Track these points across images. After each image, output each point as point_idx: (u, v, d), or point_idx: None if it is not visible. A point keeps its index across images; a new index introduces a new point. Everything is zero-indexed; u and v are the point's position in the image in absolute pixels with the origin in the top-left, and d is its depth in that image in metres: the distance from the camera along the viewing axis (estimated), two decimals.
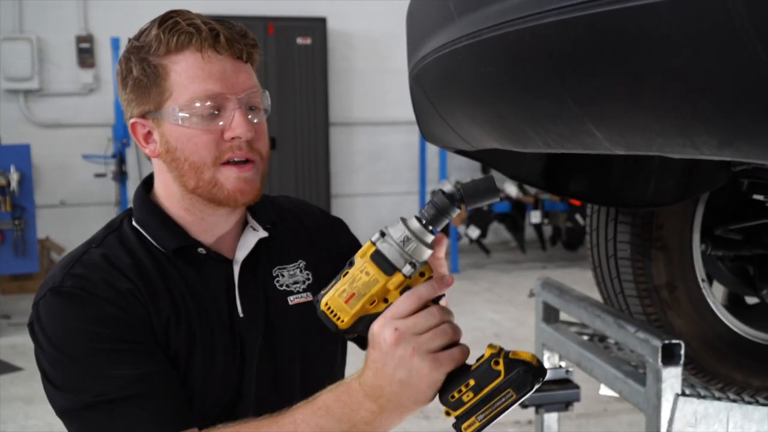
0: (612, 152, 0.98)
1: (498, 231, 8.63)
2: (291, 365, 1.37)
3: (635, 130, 0.88)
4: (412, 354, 1.02)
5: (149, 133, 1.27)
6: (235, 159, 1.24)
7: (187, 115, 1.21)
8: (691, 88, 0.76)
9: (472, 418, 1.03)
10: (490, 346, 1.05)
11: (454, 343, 1.04)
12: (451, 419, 1.05)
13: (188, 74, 1.21)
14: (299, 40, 7.88)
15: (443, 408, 1.05)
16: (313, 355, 1.40)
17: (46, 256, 7.22)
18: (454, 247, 7.69)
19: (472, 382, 1.03)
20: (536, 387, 1.02)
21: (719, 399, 2.06)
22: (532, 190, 7.79)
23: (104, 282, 1.23)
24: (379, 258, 1.05)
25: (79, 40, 7.86)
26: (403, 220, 1.07)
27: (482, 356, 1.04)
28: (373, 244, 1.06)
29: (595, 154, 2.17)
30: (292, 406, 1.14)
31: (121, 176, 7.26)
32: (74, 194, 7.98)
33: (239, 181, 1.25)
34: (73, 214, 7.93)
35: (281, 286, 1.38)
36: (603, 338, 2.70)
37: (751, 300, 2.50)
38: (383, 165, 8.92)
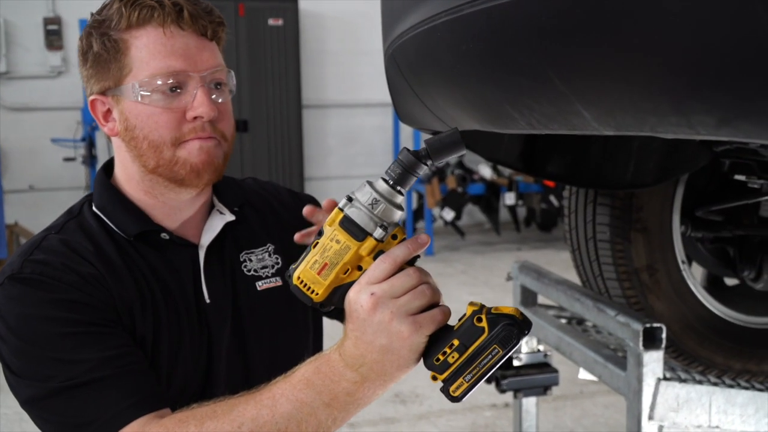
0: (600, 133, 0.93)
1: (472, 213, 8.61)
2: (260, 352, 1.35)
3: (626, 109, 0.83)
4: (390, 318, 0.97)
5: (108, 111, 1.24)
6: (200, 137, 1.22)
7: (147, 92, 1.18)
8: (687, 62, 0.71)
9: (460, 379, 1.00)
10: (471, 303, 1.02)
11: (434, 305, 1.01)
12: (438, 383, 1.01)
13: (149, 50, 1.18)
14: (270, 22, 7.76)
15: (429, 373, 1.01)
16: (284, 341, 1.38)
17: (15, 242, 7.08)
18: (429, 230, 7.66)
19: (456, 342, 0.99)
20: (522, 340, 0.99)
21: (700, 383, 2.04)
22: (506, 172, 7.77)
23: (65, 267, 1.19)
24: (348, 224, 1.01)
25: (47, 21, 7.69)
26: (370, 183, 1.04)
27: (464, 315, 1.01)
28: (341, 210, 1.02)
29: (574, 135, 2.13)
30: (270, 383, 1.10)
31: (90, 160, 7.13)
32: (43, 179, 7.83)
33: (201, 152, 1.22)
34: (42, 198, 7.78)
35: (249, 271, 1.36)
36: (581, 321, 2.68)
37: (729, 282, 2.49)
38: (357, 148, 8.85)
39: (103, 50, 1.20)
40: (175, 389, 1.25)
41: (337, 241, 1.01)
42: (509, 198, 7.45)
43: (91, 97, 1.24)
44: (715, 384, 2.07)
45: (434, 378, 1.01)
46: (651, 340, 1.96)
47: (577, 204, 2.29)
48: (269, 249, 1.40)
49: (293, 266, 1.04)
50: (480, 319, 0.99)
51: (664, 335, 1.96)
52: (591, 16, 0.78)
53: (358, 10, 8.33)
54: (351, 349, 1.01)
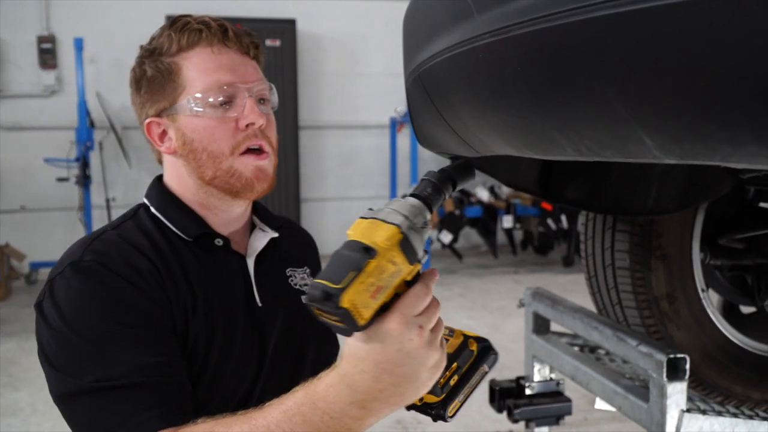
0: (659, 161, 0.89)
1: (469, 236, 8.57)
2: (305, 358, 1.39)
3: (696, 137, 0.78)
4: (428, 350, 0.97)
5: (164, 132, 1.31)
6: (252, 147, 1.28)
7: (202, 105, 1.26)
8: None
9: (455, 400, 1.05)
10: (449, 328, 1.08)
11: None
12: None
13: (199, 68, 1.27)
14: (268, 42, 7.73)
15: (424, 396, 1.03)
16: (324, 352, 1.42)
17: (6, 263, 6.98)
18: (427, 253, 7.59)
19: (455, 366, 1.04)
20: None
21: (720, 413, 1.99)
22: (504, 195, 7.74)
23: (124, 260, 1.22)
24: (407, 246, 0.95)
25: (41, 40, 7.62)
26: (415, 202, 1.01)
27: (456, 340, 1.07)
28: (400, 230, 0.95)
29: (595, 161, 2.10)
30: (263, 405, 1.05)
31: (84, 180, 7.05)
32: (35, 199, 7.73)
33: (256, 170, 1.29)
34: (34, 219, 7.69)
35: (295, 285, 1.43)
36: (593, 349, 2.63)
37: (744, 310, 2.45)
38: (353, 169, 8.80)
39: (156, 74, 1.28)
40: (225, 390, 1.25)
41: (394, 263, 0.94)
42: (507, 221, 7.41)
43: (147, 121, 1.32)
44: (735, 415, 2.02)
45: (422, 402, 1.04)
46: (675, 371, 1.92)
47: (594, 230, 2.25)
48: (306, 271, 1.48)
49: (337, 286, 0.90)
50: (471, 343, 1.06)
51: (688, 366, 1.91)
52: (664, 38, 0.74)
53: (355, 32, 8.32)
54: (368, 383, 0.97)
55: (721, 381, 2.19)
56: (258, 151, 1.29)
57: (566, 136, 1.01)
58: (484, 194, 7.59)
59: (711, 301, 2.17)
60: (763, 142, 0.71)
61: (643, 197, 2.01)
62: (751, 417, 2.03)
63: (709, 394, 2.21)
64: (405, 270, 0.96)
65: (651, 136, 0.84)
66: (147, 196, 1.37)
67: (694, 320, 2.13)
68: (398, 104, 7.80)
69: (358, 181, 8.83)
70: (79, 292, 1.17)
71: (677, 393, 1.91)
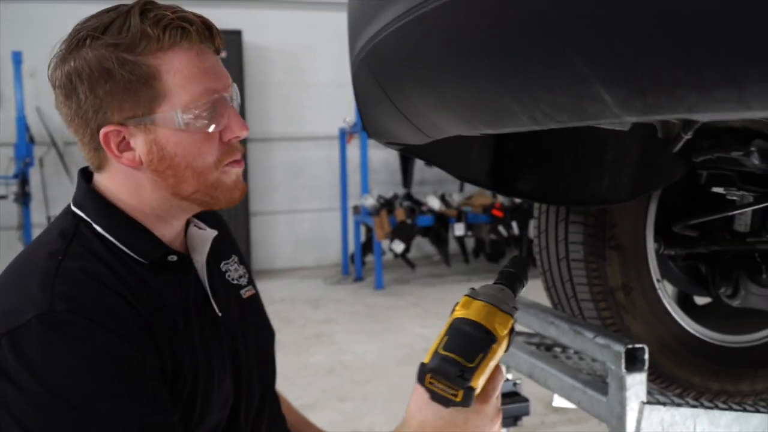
0: (620, 120, 0.84)
1: (421, 245, 8.53)
2: (254, 359, 1.34)
3: (660, 86, 0.74)
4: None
5: (124, 142, 1.14)
6: (236, 158, 1.21)
7: (191, 118, 1.13)
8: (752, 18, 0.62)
9: None
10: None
11: None
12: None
13: (184, 74, 1.12)
14: None
15: None
16: (266, 347, 1.41)
17: None
18: (379, 263, 7.54)
19: None
20: None
21: (679, 405, 1.97)
22: (455, 203, 7.73)
23: (98, 305, 1.07)
24: (513, 334, 1.08)
25: None
26: (508, 291, 1.12)
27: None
28: (514, 321, 1.08)
29: (546, 151, 2.06)
30: None
31: (23, 198, 6.84)
32: None
33: (238, 179, 1.22)
34: None
35: (233, 280, 1.37)
36: (549, 347, 2.59)
37: (700, 300, 2.43)
38: (303, 181, 8.72)
39: (127, 75, 1.10)
40: (216, 409, 1.21)
41: (502, 349, 1.07)
42: (458, 229, 7.40)
43: (104, 130, 1.13)
44: (694, 407, 2.00)
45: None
46: (633, 362, 1.88)
47: (547, 223, 2.21)
48: (236, 259, 1.41)
49: (468, 365, 1.02)
50: None
51: (646, 356, 1.88)
52: None
53: (301, 43, 8.26)
54: None
55: (679, 372, 2.16)
56: (238, 161, 1.22)
57: (521, 103, 0.96)
58: (435, 203, 7.57)
59: (666, 291, 2.14)
60: (733, 85, 0.67)
61: (595, 186, 1.98)
62: (711, 408, 2.01)
63: (668, 386, 2.18)
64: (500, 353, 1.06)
65: (611, 91, 0.80)
66: (83, 209, 1.19)
67: (650, 311, 2.10)
68: (347, 114, 7.76)
69: (309, 193, 8.75)
70: (58, 350, 1.03)
71: (637, 384, 1.88)
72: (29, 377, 1.02)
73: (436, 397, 1.04)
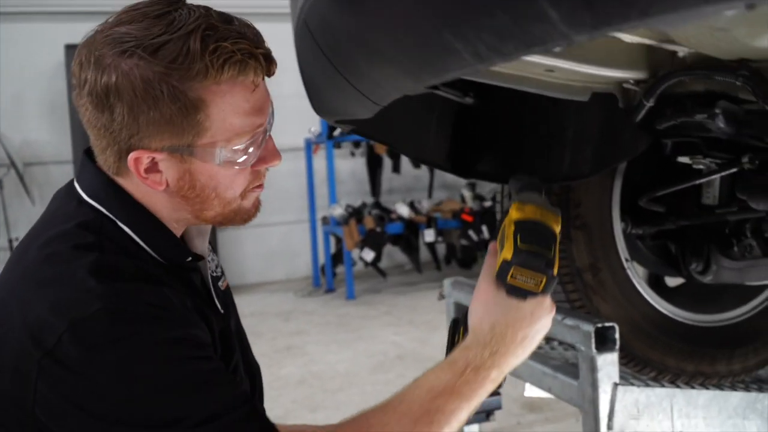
0: (566, 41, 0.76)
1: (392, 254, 8.43)
2: (244, 348, 1.35)
3: None
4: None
5: (154, 165, 1.09)
6: (260, 183, 1.19)
7: (232, 154, 1.09)
8: None
9: None
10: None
11: None
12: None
13: (234, 108, 1.06)
14: None
15: None
16: (246, 338, 1.39)
17: None
18: (349, 273, 7.44)
19: None
20: None
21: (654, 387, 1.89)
22: (424, 209, 7.66)
23: (155, 296, 1.06)
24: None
25: None
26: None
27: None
28: (560, 217, 1.23)
29: (504, 129, 1.99)
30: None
31: None
32: None
33: (257, 202, 1.21)
34: None
35: (212, 272, 1.28)
36: None
37: (673, 283, 2.37)
38: (271, 194, 8.49)
39: (174, 108, 1.03)
40: None
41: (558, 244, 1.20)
42: (428, 235, 7.32)
43: (135, 154, 1.07)
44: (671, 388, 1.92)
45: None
46: (603, 342, 1.80)
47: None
48: (211, 248, 1.32)
49: (551, 257, 1.14)
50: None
51: (617, 335, 1.80)
52: None
53: None
54: (508, 340, 1.14)
55: (652, 354, 2.09)
56: (261, 184, 1.20)
57: (462, 37, 0.87)
58: (404, 210, 7.49)
59: (636, 271, 2.07)
60: None
61: (556, 163, 1.90)
62: (688, 388, 1.93)
63: (641, 369, 2.10)
64: None
65: (556, 4, 0.72)
66: (102, 202, 1.12)
67: (620, 291, 2.02)
68: (311, 124, 7.68)
69: (277, 206, 8.61)
70: (132, 341, 1.00)
71: (608, 365, 1.80)
72: (104, 369, 0.99)
73: (514, 292, 1.15)
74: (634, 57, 1.62)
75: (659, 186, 1.91)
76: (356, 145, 8.17)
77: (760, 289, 2.16)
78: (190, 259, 1.19)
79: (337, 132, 7.35)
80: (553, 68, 1.59)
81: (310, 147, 8.03)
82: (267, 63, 1.08)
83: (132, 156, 1.07)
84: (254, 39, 1.07)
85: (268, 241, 8.59)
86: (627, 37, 1.58)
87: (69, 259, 1.05)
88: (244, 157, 1.10)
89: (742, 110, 1.60)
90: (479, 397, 1.12)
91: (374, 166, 8.17)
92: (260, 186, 1.20)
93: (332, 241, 7.89)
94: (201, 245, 1.25)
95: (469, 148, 2.01)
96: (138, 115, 1.03)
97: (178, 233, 1.19)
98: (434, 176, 8.36)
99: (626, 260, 2.03)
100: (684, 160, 1.81)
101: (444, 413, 1.08)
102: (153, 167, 1.09)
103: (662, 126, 1.67)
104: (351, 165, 8.64)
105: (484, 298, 1.17)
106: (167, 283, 1.10)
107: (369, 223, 7.21)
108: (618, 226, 2.03)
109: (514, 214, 1.18)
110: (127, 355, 1.00)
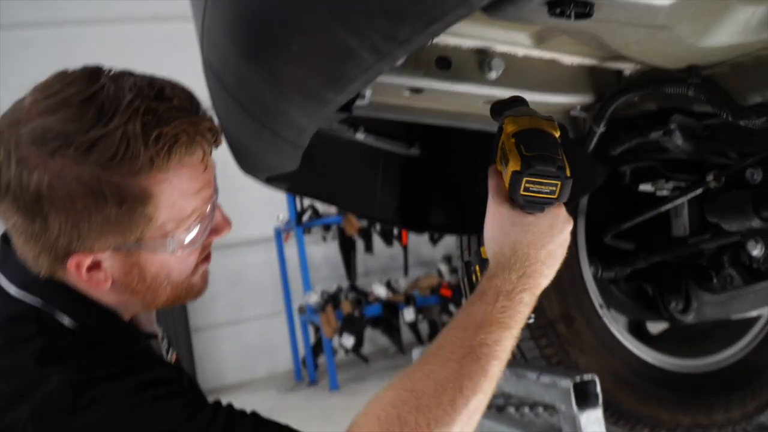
0: (467, 11, 0.62)
1: (374, 338, 8.19)
2: None
3: None
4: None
5: (98, 264, 0.98)
6: (208, 254, 1.10)
7: (185, 241, 1.00)
8: None
9: None
10: None
11: None
12: None
13: (181, 192, 0.97)
14: None
15: None
16: None
17: None
18: (331, 363, 7.17)
19: None
20: None
21: None
22: (401, 288, 7.48)
23: (118, 353, 0.99)
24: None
25: None
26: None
27: None
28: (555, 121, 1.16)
29: (457, 179, 1.87)
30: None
31: None
32: None
33: (206, 273, 1.12)
34: None
35: (161, 340, 1.20)
36: (502, 408, 2.32)
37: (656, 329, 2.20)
38: (244, 288, 8.38)
39: (118, 207, 0.92)
40: None
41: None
42: (408, 314, 7.10)
43: (75, 259, 0.96)
44: None
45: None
46: (585, 398, 1.62)
47: (471, 258, 1.98)
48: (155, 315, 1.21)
49: (562, 161, 1.06)
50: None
51: (599, 389, 1.62)
52: None
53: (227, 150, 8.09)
54: (533, 257, 1.07)
55: (643, 409, 1.90)
56: (209, 255, 1.11)
57: (355, 31, 0.74)
58: (381, 290, 7.29)
59: (612, 317, 1.91)
60: None
61: None
62: None
63: (633, 427, 1.92)
64: None
65: None
66: (38, 294, 1.00)
67: (598, 341, 1.86)
68: (279, 211, 7.57)
69: (251, 300, 8.41)
70: (104, 399, 0.92)
71: (593, 423, 1.61)
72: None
73: (530, 205, 1.08)
74: (578, 80, 1.51)
75: (622, 220, 1.76)
76: (326, 228, 8.04)
77: (748, 324, 2.00)
78: (148, 341, 1.12)
79: (305, 217, 7.23)
80: (492, 98, 1.47)
81: (280, 236, 7.89)
82: (213, 135, 0.99)
83: (72, 261, 0.96)
84: (195, 109, 0.97)
85: (246, 337, 8.33)
86: (567, 59, 1.47)
87: (13, 350, 0.96)
88: (197, 235, 1.02)
89: (699, 124, 1.48)
90: (518, 325, 1.04)
91: (347, 249, 8.02)
92: (208, 258, 1.10)
93: (311, 330, 7.66)
94: (150, 322, 1.15)
95: (421, 200, 1.88)
96: (78, 222, 0.92)
97: (127, 317, 1.09)
98: (409, 253, 8.22)
99: (601, 306, 1.87)
100: (646, 187, 1.68)
101: (488, 345, 1.00)
102: (95, 266, 0.98)
103: (617, 151, 1.55)
104: (324, 250, 8.49)
105: (498, 223, 1.10)
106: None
107: (346, 307, 7.00)
108: (587, 271, 1.88)
109: (509, 128, 1.12)
110: (104, 415, 0.91)
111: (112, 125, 0.89)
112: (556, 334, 1.82)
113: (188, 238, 1.00)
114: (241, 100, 1.13)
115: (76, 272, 0.97)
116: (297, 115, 1.02)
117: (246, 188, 9.45)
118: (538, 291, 1.08)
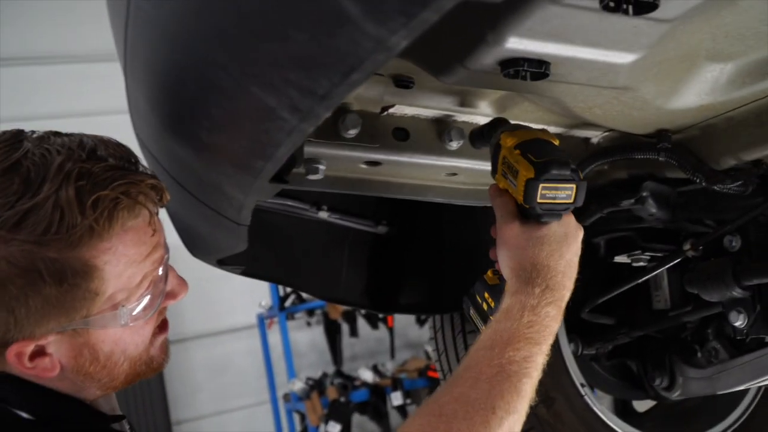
0: (381, 46, 0.55)
1: (362, 425, 7.95)
2: None
3: None
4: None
5: (41, 350, 0.89)
6: (164, 321, 1.02)
7: (137, 307, 0.91)
8: None
9: None
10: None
11: None
12: None
13: (129, 259, 0.88)
14: None
15: None
16: None
17: None
18: None
19: None
20: None
21: None
22: (389, 372, 7.30)
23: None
24: None
25: None
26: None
27: None
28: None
29: (424, 260, 1.79)
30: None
31: None
32: None
33: (164, 343, 1.03)
34: None
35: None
36: None
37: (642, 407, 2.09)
38: (228, 378, 8.17)
39: (57, 287, 0.83)
40: None
41: None
42: (396, 398, 6.90)
43: (15, 348, 0.86)
44: None
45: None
46: None
47: (445, 341, 1.88)
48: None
49: (572, 168, 1.05)
50: None
51: None
52: None
53: None
54: (554, 266, 1.05)
55: None
56: (165, 324, 1.03)
57: (269, 86, 0.67)
58: (367, 375, 7.11)
59: (595, 397, 1.80)
60: None
61: None
62: None
63: None
64: None
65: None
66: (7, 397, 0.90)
67: (581, 423, 1.74)
68: (261, 298, 7.45)
69: (235, 391, 8.19)
70: None
71: None
72: None
73: (548, 213, 1.05)
74: None
75: (599, 293, 1.68)
76: (311, 313, 7.90)
77: (737, 398, 1.89)
78: (116, 425, 1.03)
79: (289, 303, 7.10)
80: (454, 170, 1.41)
81: (263, 323, 7.74)
82: (157, 192, 0.90)
83: (11, 351, 0.87)
84: (134, 167, 0.88)
85: (230, 428, 8.08)
86: (533, 127, 1.42)
87: None
88: (150, 302, 0.93)
89: (673, 191, 1.41)
90: (546, 340, 1.01)
91: (333, 334, 7.87)
92: (165, 326, 1.02)
93: (296, 419, 7.43)
94: (110, 404, 1.06)
95: (389, 280, 1.80)
96: (13, 307, 0.83)
97: (88, 401, 1.00)
98: (395, 336, 8.07)
99: (582, 386, 1.76)
100: (621, 259, 1.60)
101: (518, 362, 0.96)
102: (39, 353, 0.89)
103: (588, 222, 1.47)
104: (309, 336, 8.33)
105: (513, 240, 1.07)
106: None
107: (332, 393, 6.81)
108: (567, 348, 1.78)
109: (509, 141, 1.10)
110: None
111: (41, 195, 0.80)
112: (536, 417, 1.72)
113: (141, 308, 0.92)
114: (174, 174, 1.06)
115: (18, 363, 0.88)
116: (231, 189, 0.95)
117: (227, 275, 9.33)
118: (563, 304, 1.05)
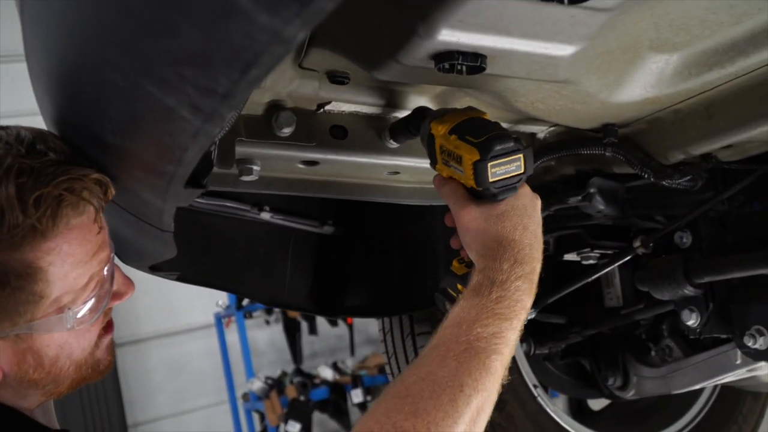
0: (276, 38, 0.49)
1: (323, 423, 7.89)
2: None
3: None
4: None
5: None
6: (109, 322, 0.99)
7: (83, 309, 0.89)
8: None
9: None
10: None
11: None
12: None
13: (74, 259, 0.85)
14: None
15: None
16: None
17: None
18: None
19: None
20: None
21: None
22: (349, 369, 7.25)
23: None
24: None
25: None
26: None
27: None
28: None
29: (371, 261, 1.73)
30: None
31: None
32: None
33: (110, 345, 1.00)
34: None
35: None
36: None
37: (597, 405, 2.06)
38: (186, 378, 8.05)
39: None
40: None
41: None
42: (356, 396, 6.85)
43: None
44: None
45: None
46: None
47: (394, 343, 1.83)
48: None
49: (514, 139, 1.04)
50: None
51: None
52: None
53: None
54: (519, 240, 1.02)
55: None
56: (110, 325, 1.00)
57: (170, 87, 0.60)
58: (327, 372, 7.05)
59: (548, 398, 1.76)
60: None
61: (431, 284, 1.64)
62: None
63: None
64: None
65: None
66: None
67: (534, 425, 1.70)
68: (219, 297, 7.34)
69: (194, 391, 8.07)
70: None
71: None
72: None
73: (503, 190, 1.03)
74: None
75: (549, 292, 1.64)
76: (269, 312, 7.81)
77: (693, 398, 1.87)
78: None
79: (246, 302, 7.00)
80: (396, 168, 1.35)
81: (221, 322, 7.63)
82: (102, 187, 0.86)
83: None
84: (76, 161, 0.83)
85: (189, 429, 7.96)
86: (457, 107, 1.37)
87: None
88: (96, 304, 0.91)
89: (621, 187, 1.37)
90: (518, 316, 0.97)
91: (292, 332, 7.79)
92: (110, 327, 1.00)
93: (256, 418, 7.34)
94: (48, 416, 1.04)
95: (335, 282, 1.74)
96: None
97: (30, 412, 0.97)
98: (355, 332, 8.02)
99: (535, 386, 1.72)
100: (571, 257, 1.56)
101: (486, 338, 0.92)
102: None
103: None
104: (268, 334, 8.24)
105: (473, 224, 1.03)
106: None
107: (291, 392, 6.74)
108: (518, 348, 1.74)
109: (440, 129, 1.06)
110: None
111: None
112: (488, 421, 1.67)
113: (87, 310, 0.89)
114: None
115: None
116: (147, 194, 0.88)
117: (180, 286, 9.19)
118: (535, 276, 1.01)
